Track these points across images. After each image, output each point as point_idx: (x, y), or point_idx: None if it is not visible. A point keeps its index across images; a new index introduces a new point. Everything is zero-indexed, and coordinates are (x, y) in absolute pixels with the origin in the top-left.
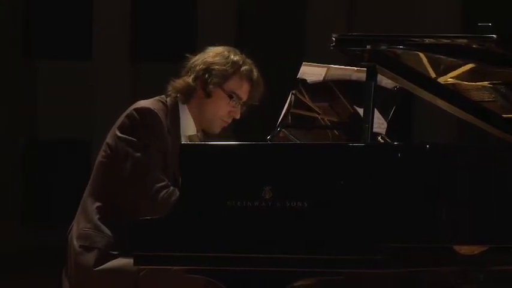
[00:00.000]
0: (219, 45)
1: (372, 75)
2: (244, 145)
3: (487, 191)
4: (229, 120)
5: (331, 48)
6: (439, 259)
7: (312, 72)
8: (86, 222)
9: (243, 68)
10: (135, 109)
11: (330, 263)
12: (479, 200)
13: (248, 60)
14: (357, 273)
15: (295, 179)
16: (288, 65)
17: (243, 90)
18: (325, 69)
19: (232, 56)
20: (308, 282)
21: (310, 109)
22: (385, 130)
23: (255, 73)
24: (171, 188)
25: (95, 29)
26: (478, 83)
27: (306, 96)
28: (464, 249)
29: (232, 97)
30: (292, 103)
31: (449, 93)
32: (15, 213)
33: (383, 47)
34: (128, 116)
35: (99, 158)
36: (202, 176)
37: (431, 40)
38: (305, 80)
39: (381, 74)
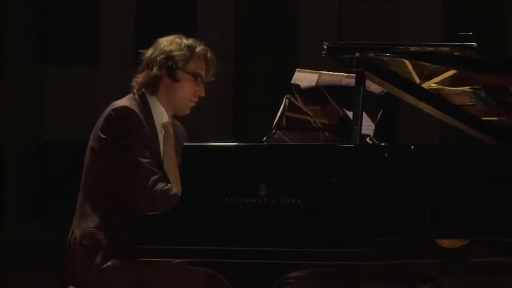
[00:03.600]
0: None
1: (360, 80)
2: (242, 146)
3: (467, 188)
4: (196, 99)
5: (323, 55)
6: (422, 252)
7: (304, 78)
8: (87, 222)
9: (198, 49)
10: (113, 110)
11: (321, 256)
12: (460, 197)
13: (199, 42)
14: (345, 266)
15: (289, 178)
16: (282, 71)
17: (203, 69)
18: (317, 75)
19: (185, 41)
20: (301, 274)
21: (303, 112)
22: (373, 132)
23: (209, 52)
24: (166, 183)
25: (101, 35)
26: (459, 88)
27: (299, 100)
28: (446, 243)
29: (196, 77)
30: (287, 107)
31: (433, 97)
32: (26, 211)
33: (371, 55)
34: (108, 117)
35: (86, 163)
36: (202, 174)
37: (416, 48)
38: (298, 85)
39: (369, 80)
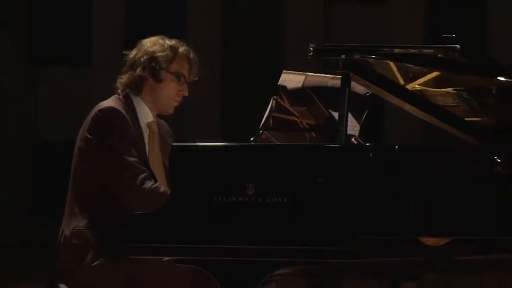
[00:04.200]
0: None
1: (346, 82)
2: (230, 146)
3: (450, 187)
4: (180, 99)
5: (309, 57)
6: (406, 250)
7: (291, 79)
8: (76, 222)
9: (181, 49)
10: (99, 110)
11: (306, 254)
12: (443, 196)
13: (181, 42)
14: (331, 263)
15: (276, 177)
16: (269, 73)
17: (186, 69)
18: (304, 76)
19: (168, 42)
20: (287, 271)
21: (289, 113)
22: (358, 132)
23: (191, 52)
24: (154, 181)
25: (93, 37)
26: (442, 89)
27: (286, 102)
28: (430, 241)
29: (180, 77)
30: (274, 108)
31: (417, 98)
32: (21, 209)
33: (356, 56)
34: (94, 118)
35: (74, 163)
36: (191, 173)
37: (400, 50)
38: (285, 86)
39: (354, 81)
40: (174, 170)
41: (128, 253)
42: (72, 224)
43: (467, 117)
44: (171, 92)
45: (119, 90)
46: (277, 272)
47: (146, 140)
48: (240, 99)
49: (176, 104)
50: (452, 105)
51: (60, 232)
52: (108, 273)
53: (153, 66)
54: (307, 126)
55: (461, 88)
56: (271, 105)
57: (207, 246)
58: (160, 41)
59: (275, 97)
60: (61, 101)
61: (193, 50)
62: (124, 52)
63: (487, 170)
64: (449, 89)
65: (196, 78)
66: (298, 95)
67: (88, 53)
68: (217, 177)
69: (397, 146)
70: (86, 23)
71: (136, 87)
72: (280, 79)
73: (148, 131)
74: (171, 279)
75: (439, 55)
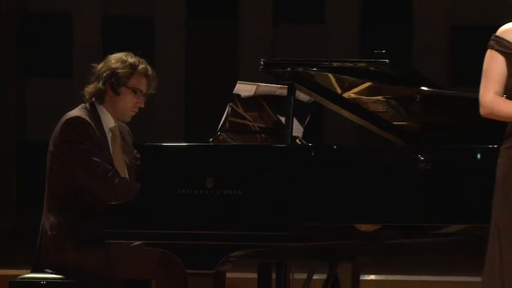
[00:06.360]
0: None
1: (291, 91)
2: (192, 146)
3: (380, 180)
4: (136, 110)
5: (260, 69)
6: (343, 235)
7: (244, 88)
8: (53, 216)
9: (140, 67)
10: (67, 120)
11: (257, 238)
12: (373, 188)
13: (142, 60)
14: (277, 246)
15: (231, 172)
16: (226, 83)
17: (143, 85)
18: (255, 86)
19: (129, 59)
20: (241, 253)
21: (243, 118)
22: (302, 134)
23: (149, 69)
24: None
25: (74, 53)
26: (374, 97)
27: (240, 108)
28: (362, 227)
29: (136, 92)
30: (229, 113)
31: (352, 105)
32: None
33: (300, 69)
34: (63, 126)
35: (48, 165)
36: (159, 169)
37: (338, 63)
38: (239, 95)
39: (298, 90)
40: (143, 167)
41: (105, 238)
42: (51, 218)
43: (395, 122)
44: (128, 104)
45: (86, 98)
46: (232, 254)
47: (110, 142)
48: (201, 106)
49: (132, 113)
50: (382, 111)
51: (41, 224)
52: (86, 256)
53: (113, 81)
54: (258, 129)
55: (390, 96)
56: (228, 111)
57: (172, 232)
58: (124, 57)
59: (231, 104)
60: (45, 108)
61: (152, 67)
62: (92, 64)
63: (412, 166)
64: (380, 97)
65: (154, 92)
66: (250, 102)
67: (69, 68)
68: (181, 173)
69: (335, 146)
70: (69, 41)
71: (99, 97)
72: (235, 88)
73: (111, 134)
74: (141, 260)
75: (371, 68)
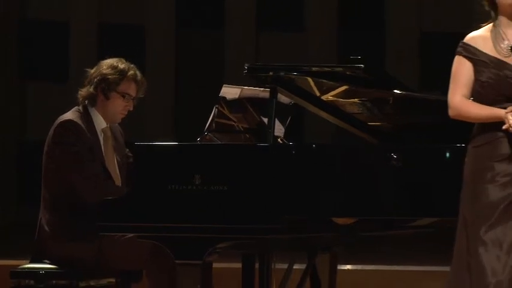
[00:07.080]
0: (109, 57)
1: (273, 94)
2: (181, 145)
3: (356, 177)
4: (126, 113)
5: (244, 74)
6: (321, 227)
7: (230, 91)
8: (50, 213)
9: (129, 73)
10: (60, 122)
11: (241, 231)
12: (349, 184)
13: (132, 66)
14: (262, 238)
15: (218, 169)
16: (212, 87)
17: (132, 89)
18: (240, 89)
19: (120, 65)
20: (227, 245)
21: (228, 119)
22: (283, 134)
23: (139, 75)
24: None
25: (71, 57)
26: (350, 100)
27: (226, 109)
28: (340, 220)
29: (125, 96)
30: (216, 114)
31: (330, 107)
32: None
33: (281, 73)
34: (56, 129)
35: (43, 165)
36: (150, 167)
37: (317, 68)
38: (225, 97)
39: (280, 93)
40: (136, 165)
41: (99, 231)
42: (47, 215)
43: (370, 122)
44: (118, 108)
45: (80, 101)
46: (219, 245)
47: (102, 143)
48: (189, 107)
49: (122, 116)
50: (358, 113)
51: (39, 220)
52: (81, 249)
53: (103, 86)
54: (242, 129)
55: (365, 99)
56: (214, 112)
57: (162, 225)
58: (115, 64)
59: (217, 106)
60: (43, 111)
61: (141, 73)
62: (86, 69)
63: (385, 164)
64: (356, 100)
65: (143, 95)
66: (235, 104)
67: (66, 72)
68: (171, 170)
69: (314, 145)
70: (65, 45)
71: (91, 100)
72: (221, 91)
73: (103, 135)
74: (133, 252)
75: (347, 72)
